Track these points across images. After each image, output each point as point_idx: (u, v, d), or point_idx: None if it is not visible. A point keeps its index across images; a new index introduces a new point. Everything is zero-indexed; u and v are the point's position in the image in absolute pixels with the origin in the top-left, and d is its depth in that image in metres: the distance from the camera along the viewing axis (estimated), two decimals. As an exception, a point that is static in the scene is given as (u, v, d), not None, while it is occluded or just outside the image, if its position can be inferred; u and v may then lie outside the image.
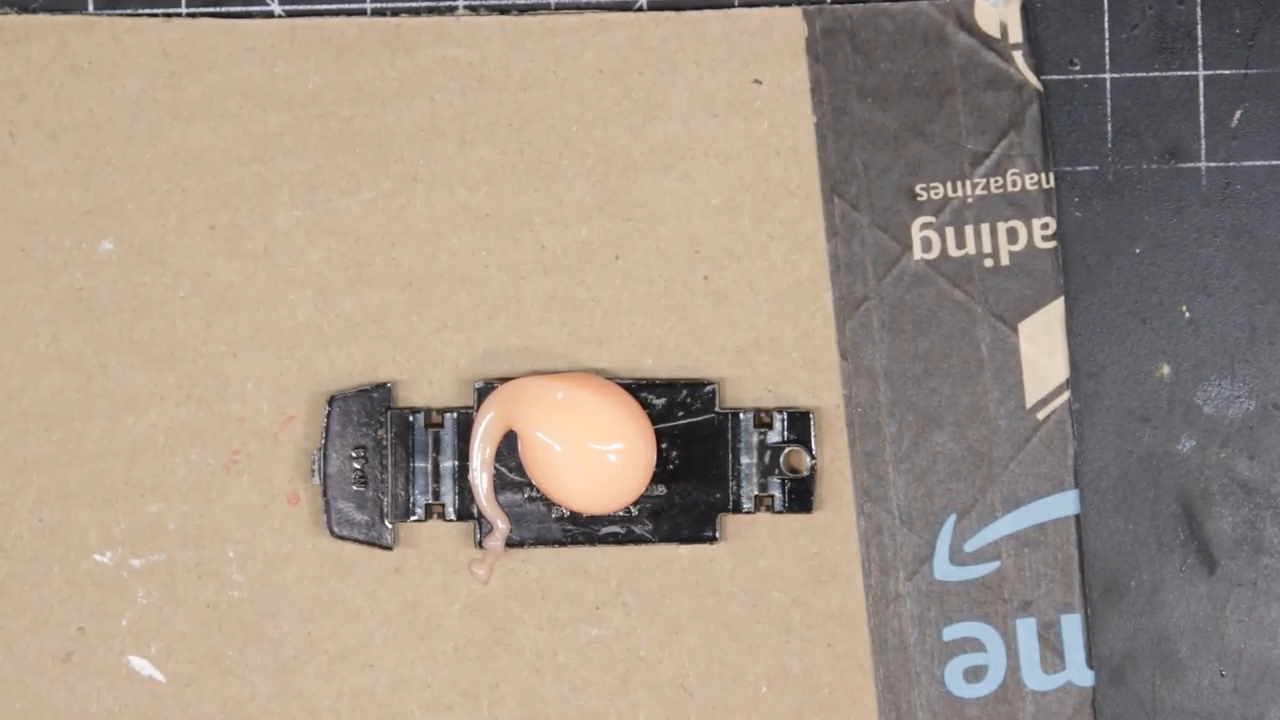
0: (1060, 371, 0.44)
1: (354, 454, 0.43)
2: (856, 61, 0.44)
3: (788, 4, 0.45)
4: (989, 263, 0.44)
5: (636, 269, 0.44)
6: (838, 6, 0.45)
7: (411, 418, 0.43)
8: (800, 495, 0.44)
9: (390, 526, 0.43)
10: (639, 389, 0.43)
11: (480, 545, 0.43)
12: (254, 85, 0.44)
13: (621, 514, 0.43)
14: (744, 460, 0.44)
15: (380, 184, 0.44)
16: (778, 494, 0.44)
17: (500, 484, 0.43)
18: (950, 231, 0.44)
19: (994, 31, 0.44)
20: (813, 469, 0.44)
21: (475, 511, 0.43)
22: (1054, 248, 0.44)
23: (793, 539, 0.44)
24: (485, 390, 0.43)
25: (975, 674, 0.44)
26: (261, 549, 0.44)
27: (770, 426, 0.44)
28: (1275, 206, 0.45)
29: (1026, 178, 0.44)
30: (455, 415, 0.43)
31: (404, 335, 0.44)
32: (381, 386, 0.43)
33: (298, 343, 0.44)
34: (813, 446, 0.44)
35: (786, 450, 0.44)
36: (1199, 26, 0.46)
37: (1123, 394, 0.45)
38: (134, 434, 0.44)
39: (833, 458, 0.44)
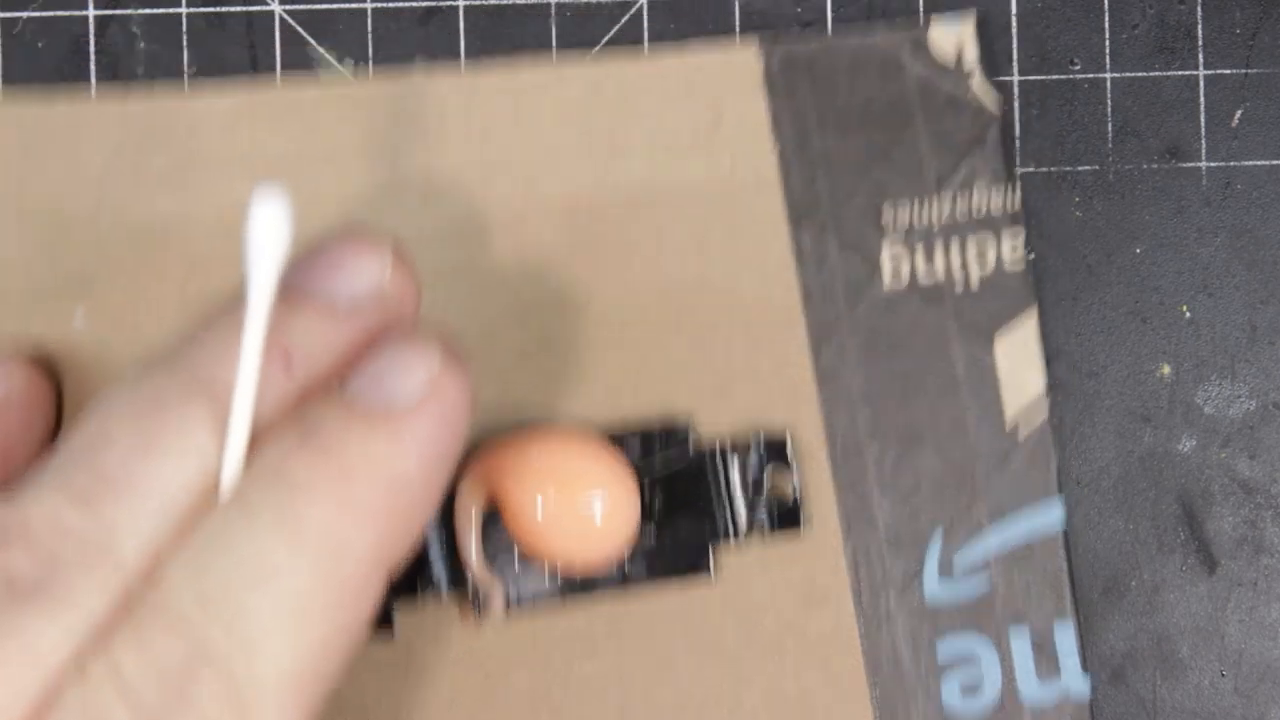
0: (1038, 385, 0.44)
1: None
2: (815, 93, 0.44)
3: (744, 39, 0.45)
4: (959, 283, 0.44)
5: (609, 312, 0.44)
6: (793, 40, 0.45)
7: None
8: (788, 515, 0.44)
9: (393, 613, 0.43)
10: (614, 439, 0.43)
11: (478, 613, 0.43)
12: (217, 155, 0.44)
13: (615, 563, 0.43)
14: (727, 492, 0.44)
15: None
16: (765, 518, 0.44)
17: (490, 550, 0.43)
18: (919, 254, 0.44)
19: (949, 56, 0.44)
20: (796, 488, 0.44)
21: (469, 581, 0.43)
22: (1024, 265, 0.44)
23: (781, 565, 0.44)
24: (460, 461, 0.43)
25: (972, 689, 0.44)
26: None
27: (748, 455, 0.44)
28: (1276, 206, 0.45)
29: (992, 198, 0.44)
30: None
31: None
32: None
33: None
34: (792, 466, 0.44)
35: (768, 473, 0.44)
36: (1199, 26, 0.46)
37: (1123, 394, 0.45)
38: None
39: (817, 484, 0.44)
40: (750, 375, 0.44)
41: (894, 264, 0.44)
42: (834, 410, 0.44)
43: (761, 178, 0.44)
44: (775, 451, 0.44)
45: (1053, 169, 0.45)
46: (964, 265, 0.44)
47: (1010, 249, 0.44)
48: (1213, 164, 0.45)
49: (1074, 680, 0.44)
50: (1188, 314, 0.45)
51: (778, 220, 0.44)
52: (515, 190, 0.44)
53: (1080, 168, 0.45)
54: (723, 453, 0.44)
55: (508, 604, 0.43)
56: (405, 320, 0.35)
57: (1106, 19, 0.45)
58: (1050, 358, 0.45)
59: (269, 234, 0.31)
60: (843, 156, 0.44)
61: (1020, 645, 0.44)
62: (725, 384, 0.44)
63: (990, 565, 0.44)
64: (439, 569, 0.43)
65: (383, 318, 0.34)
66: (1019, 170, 0.45)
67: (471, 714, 0.44)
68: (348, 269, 0.34)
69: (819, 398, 0.44)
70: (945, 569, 0.44)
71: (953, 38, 0.44)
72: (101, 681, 0.29)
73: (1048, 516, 0.44)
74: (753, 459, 0.44)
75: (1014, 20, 0.45)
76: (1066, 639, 0.44)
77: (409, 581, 0.43)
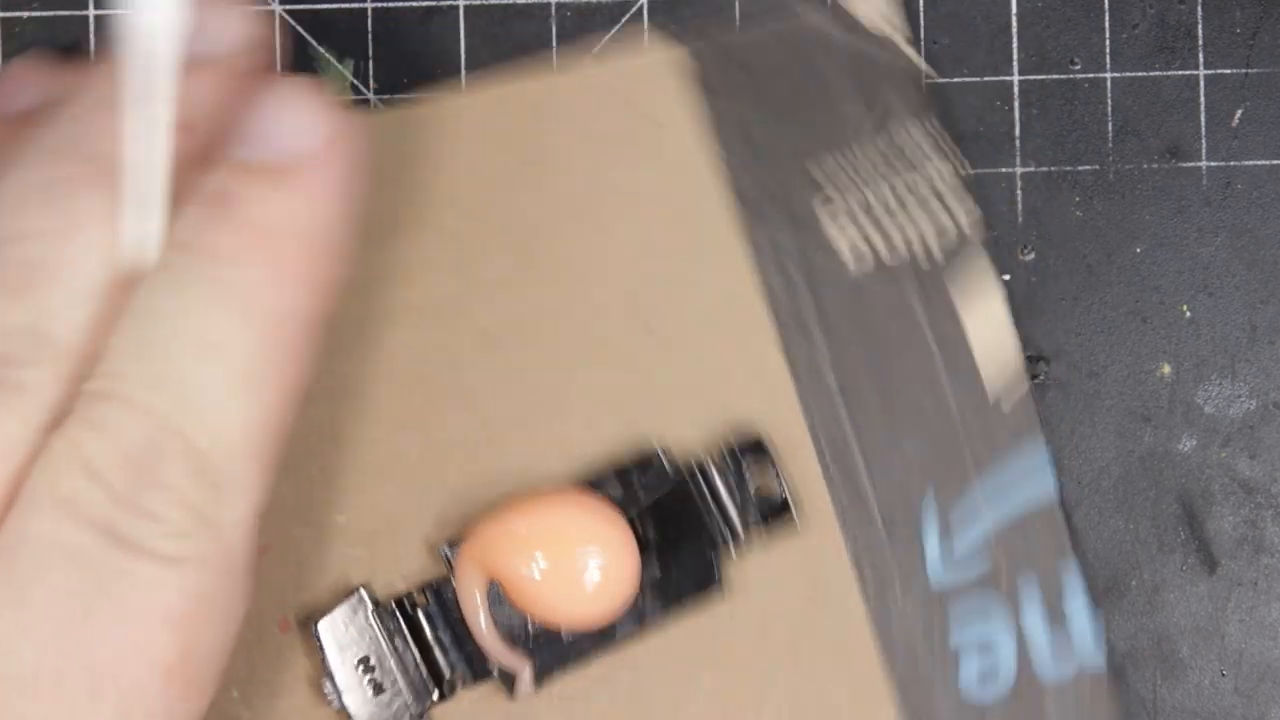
0: (1014, 354, 0.44)
1: (359, 668, 0.43)
2: (747, 84, 0.44)
3: (671, 43, 0.45)
4: (922, 261, 0.44)
5: (575, 332, 0.44)
6: (721, 35, 0.44)
7: (395, 609, 0.43)
8: (780, 512, 0.44)
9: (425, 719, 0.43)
10: (592, 484, 0.43)
11: (510, 694, 0.43)
12: None
13: (630, 606, 0.43)
14: (716, 504, 0.44)
15: None
16: (759, 520, 0.44)
17: (506, 631, 0.43)
18: (877, 237, 0.44)
19: (878, 28, 0.44)
20: (783, 484, 0.44)
21: (495, 668, 0.43)
22: (981, 229, 0.44)
23: (784, 570, 0.44)
24: (451, 553, 0.43)
25: (988, 672, 0.44)
26: (260, 675, 0.43)
27: (729, 465, 0.44)
28: (1276, 206, 0.45)
29: (942, 171, 0.44)
30: (435, 588, 0.43)
31: (358, 442, 0.44)
32: (354, 593, 0.43)
33: None
34: (776, 466, 0.44)
35: (750, 475, 0.44)
36: (1200, 26, 0.45)
37: (1123, 393, 0.45)
38: None
39: (808, 481, 0.44)
40: (725, 378, 0.44)
41: (853, 248, 0.44)
42: (813, 404, 0.44)
43: (705, 178, 0.44)
44: (755, 452, 0.44)
45: (1053, 169, 0.45)
46: (923, 240, 0.44)
47: (965, 213, 0.44)
48: (1213, 164, 0.45)
49: (1089, 653, 0.44)
50: (1188, 314, 0.45)
51: (728, 218, 0.44)
52: (463, 223, 0.44)
53: (1080, 168, 0.45)
54: (701, 466, 0.44)
55: (537, 679, 0.43)
56: (259, 64, 0.34)
57: (1106, 19, 0.45)
58: (1050, 358, 0.45)
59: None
60: (783, 147, 0.44)
61: (1033, 624, 0.44)
62: (703, 390, 0.44)
63: (990, 544, 0.44)
64: (460, 666, 0.43)
65: (247, 64, 0.33)
66: (1019, 170, 0.45)
67: None
68: (209, 24, 0.33)
69: (797, 395, 0.44)
70: (947, 554, 0.44)
71: (876, 11, 0.44)
72: (69, 469, 0.29)
73: (1041, 486, 0.44)
74: (732, 464, 0.44)
75: (1014, 20, 0.45)
76: (1079, 614, 0.44)
77: (433, 686, 0.43)
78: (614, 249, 0.44)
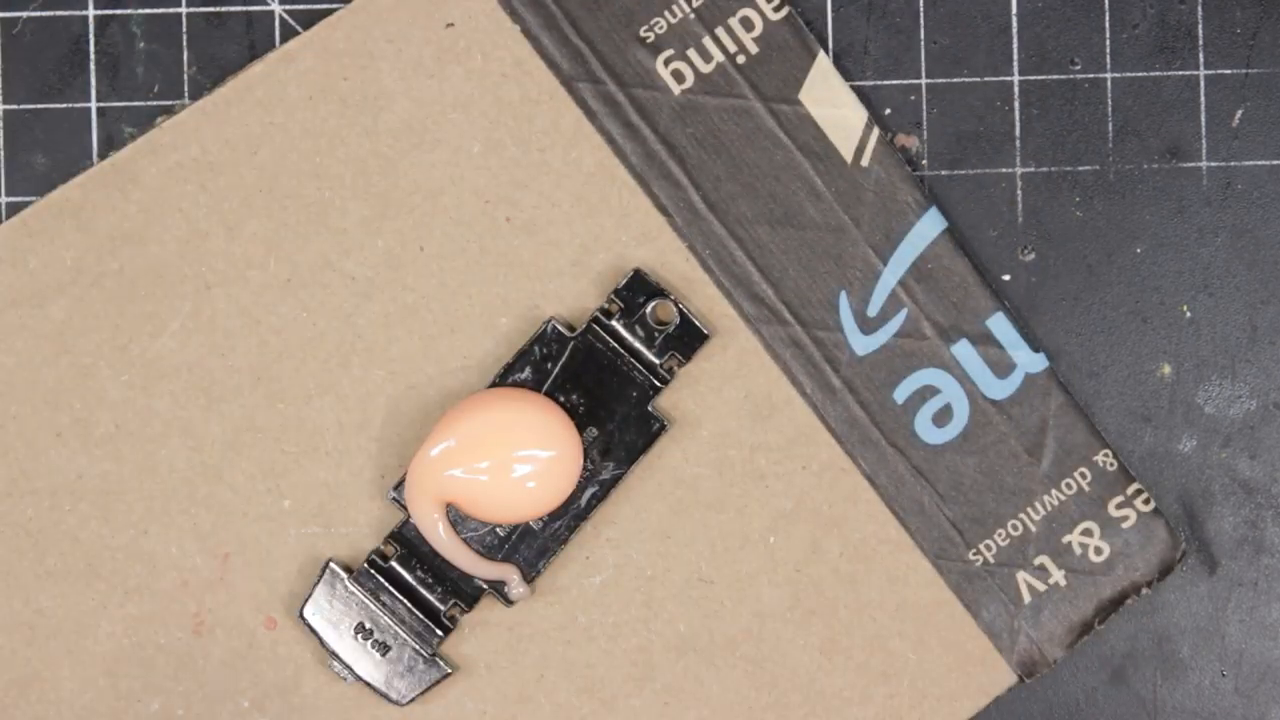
0: (858, 115, 0.44)
1: (358, 637, 0.43)
2: None
3: None
4: (741, 59, 0.44)
5: (444, 248, 0.44)
6: None
7: (369, 568, 0.43)
8: (690, 333, 0.44)
9: (438, 658, 0.43)
10: (503, 379, 0.43)
11: (510, 603, 0.43)
12: (16, 289, 0.44)
13: (584, 475, 0.43)
14: (629, 350, 0.44)
15: (181, 310, 0.44)
16: (675, 352, 0.44)
17: (479, 545, 0.43)
18: (692, 53, 0.44)
19: None
20: (682, 307, 0.44)
21: (483, 584, 0.43)
22: (788, 14, 0.44)
23: (716, 396, 0.44)
24: (399, 494, 0.43)
25: (942, 414, 0.44)
26: (264, 679, 0.44)
27: (620, 306, 0.44)
28: (1276, 206, 0.45)
29: None
30: (398, 534, 0.43)
31: (275, 425, 0.44)
32: (326, 568, 0.43)
33: (193, 489, 0.44)
34: (661, 287, 0.44)
35: (652, 308, 0.44)
36: (1200, 26, 0.46)
37: (1124, 394, 0.45)
38: (97, 650, 0.44)
39: (709, 304, 0.44)
40: (600, 240, 0.44)
41: (676, 73, 0.44)
42: (691, 231, 0.44)
43: (517, 58, 0.44)
44: (644, 289, 0.44)
45: (1053, 169, 0.45)
46: (736, 39, 0.44)
47: (767, 3, 0.44)
48: (1213, 164, 0.45)
49: (1029, 362, 0.44)
50: (1188, 314, 0.45)
51: (552, 90, 0.44)
52: (304, 184, 0.44)
53: (1080, 168, 0.45)
54: (595, 319, 0.43)
55: (526, 579, 0.43)
56: None
57: (1106, 19, 0.45)
58: (1051, 358, 0.45)
59: None
60: (578, 3, 0.44)
61: (966, 354, 0.44)
62: (582, 258, 0.44)
63: (899, 295, 0.44)
64: (450, 596, 0.43)
65: None
66: (1019, 170, 0.45)
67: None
68: None
69: (672, 228, 0.44)
70: (865, 323, 0.44)
71: None
72: None
73: (929, 226, 0.44)
74: (622, 304, 0.44)
75: (1014, 20, 0.46)
76: (1004, 329, 0.44)
77: (434, 628, 0.43)
78: (452, 158, 0.44)
